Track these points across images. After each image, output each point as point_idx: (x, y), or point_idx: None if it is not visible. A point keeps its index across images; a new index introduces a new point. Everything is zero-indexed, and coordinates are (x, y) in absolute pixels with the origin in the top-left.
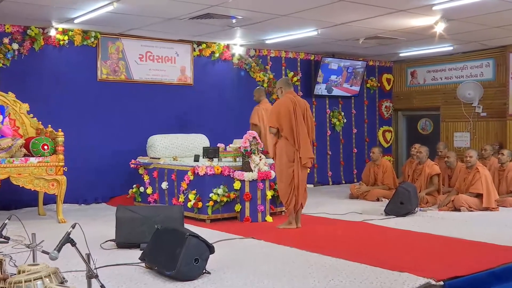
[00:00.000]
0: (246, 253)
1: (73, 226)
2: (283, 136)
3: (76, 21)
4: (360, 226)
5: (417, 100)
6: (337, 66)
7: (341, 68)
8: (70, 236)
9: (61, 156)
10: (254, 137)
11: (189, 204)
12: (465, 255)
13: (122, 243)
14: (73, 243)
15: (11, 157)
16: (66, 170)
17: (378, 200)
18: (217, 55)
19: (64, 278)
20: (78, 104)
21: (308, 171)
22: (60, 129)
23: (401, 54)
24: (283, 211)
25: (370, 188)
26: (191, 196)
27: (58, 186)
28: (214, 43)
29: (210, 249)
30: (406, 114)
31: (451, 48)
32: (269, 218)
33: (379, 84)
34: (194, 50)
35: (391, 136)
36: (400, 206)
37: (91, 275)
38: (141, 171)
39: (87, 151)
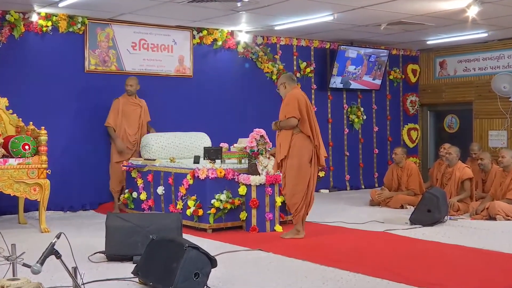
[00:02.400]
0: (253, 267)
1: (58, 236)
2: (302, 132)
3: (60, 4)
4: (382, 237)
5: (446, 94)
6: (356, 54)
7: (361, 57)
8: (55, 247)
9: (44, 157)
10: (261, 136)
11: (188, 212)
12: (501, 270)
13: (113, 255)
14: (57, 255)
15: None
16: (49, 173)
17: (402, 207)
18: (219, 43)
19: None
20: (63, 99)
21: (324, 174)
22: (43, 127)
23: (428, 42)
24: None
25: (393, 194)
26: (190, 203)
27: (40, 191)
28: (217, 29)
29: (212, 262)
30: (434, 109)
31: (485, 34)
32: (278, 228)
33: (403, 76)
34: (194, 38)
35: (417, 135)
36: (427, 214)
37: None
38: (134, 174)
39: (74, 151)
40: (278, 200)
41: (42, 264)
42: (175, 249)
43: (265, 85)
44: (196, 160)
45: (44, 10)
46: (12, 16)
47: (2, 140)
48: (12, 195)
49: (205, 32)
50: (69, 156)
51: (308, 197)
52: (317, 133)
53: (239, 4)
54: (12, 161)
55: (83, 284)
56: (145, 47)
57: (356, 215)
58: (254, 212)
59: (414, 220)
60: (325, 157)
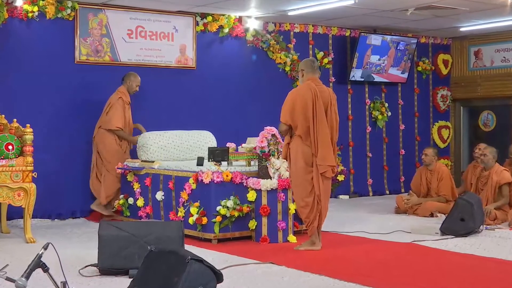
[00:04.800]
0: (264, 282)
1: (45, 247)
2: (297, 135)
3: None
4: (409, 249)
5: (482, 87)
6: (380, 41)
7: (387, 45)
8: (41, 259)
9: (30, 159)
10: (273, 135)
11: (191, 220)
12: None
13: (106, 268)
14: (45, 268)
15: None
16: (35, 176)
17: (432, 215)
18: (226, 30)
19: None
20: (51, 93)
21: (343, 178)
22: (28, 125)
23: (462, 29)
24: None
25: (422, 201)
26: (193, 210)
27: (25, 196)
28: (223, 15)
29: (218, 276)
30: (468, 105)
31: None
32: (292, 238)
33: (433, 67)
34: (197, 24)
35: (449, 134)
36: (460, 223)
37: None
38: (130, 177)
39: (63, 152)
40: (292, 207)
41: (27, 278)
42: (176, 262)
43: (277, 78)
44: (200, 162)
45: None
46: None
47: None
48: None
49: (209, 18)
50: (57, 158)
51: (319, 206)
52: (323, 137)
53: None
54: None
55: None
56: (143, 35)
57: (379, 224)
58: (264, 220)
59: (446, 230)
60: (330, 166)
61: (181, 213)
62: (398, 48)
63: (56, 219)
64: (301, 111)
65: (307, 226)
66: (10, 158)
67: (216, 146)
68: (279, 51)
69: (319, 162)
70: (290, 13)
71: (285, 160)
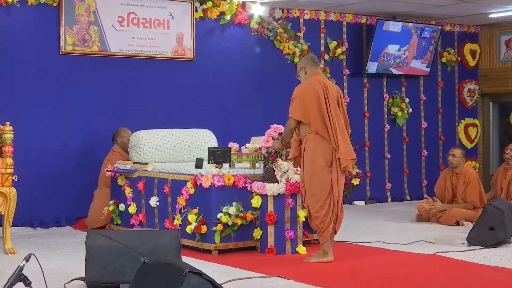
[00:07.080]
0: None
1: (27, 259)
2: (313, 131)
3: None
4: (432, 261)
5: None
6: (400, 28)
7: (409, 31)
8: (23, 272)
9: (10, 160)
10: (280, 134)
11: (189, 229)
12: None
13: (95, 282)
14: (26, 282)
15: None
16: (16, 179)
17: (457, 224)
18: (228, 17)
19: None
20: (33, 87)
21: (359, 182)
22: (8, 122)
23: (491, 15)
24: None
25: (446, 207)
26: (191, 217)
27: (5, 202)
28: (224, 0)
29: None
30: (498, 101)
31: None
32: (301, 249)
33: (459, 58)
34: (196, 11)
35: (477, 133)
36: (489, 232)
37: None
38: (120, 181)
39: (46, 152)
40: (301, 214)
41: None
42: (172, 275)
43: (285, 70)
44: (199, 164)
45: None
46: None
47: None
48: None
49: (209, 3)
50: (41, 159)
51: (335, 209)
52: (341, 130)
53: None
54: None
55: None
56: (135, 23)
57: (399, 234)
58: (271, 229)
59: (473, 240)
60: (352, 160)
61: (177, 221)
62: (422, 35)
63: (38, 228)
64: (314, 104)
65: (321, 233)
66: None
67: (216, 146)
68: (287, 41)
69: (340, 155)
70: None
71: (293, 162)
